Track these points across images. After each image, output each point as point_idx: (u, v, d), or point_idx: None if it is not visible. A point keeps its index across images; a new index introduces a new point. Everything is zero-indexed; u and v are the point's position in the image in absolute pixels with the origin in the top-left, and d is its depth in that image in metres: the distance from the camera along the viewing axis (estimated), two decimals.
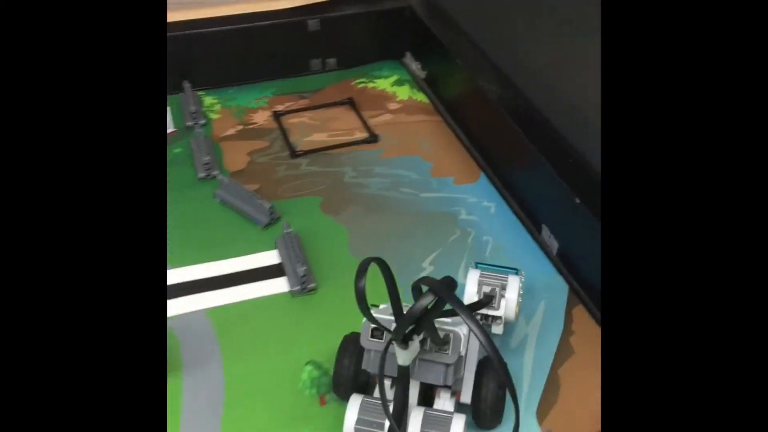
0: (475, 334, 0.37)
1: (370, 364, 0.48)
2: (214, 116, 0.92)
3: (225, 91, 0.97)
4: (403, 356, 0.44)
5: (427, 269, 0.69)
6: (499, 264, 0.60)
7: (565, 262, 0.70)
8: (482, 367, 0.51)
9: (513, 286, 0.56)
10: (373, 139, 0.87)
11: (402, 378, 0.45)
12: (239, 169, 0.83)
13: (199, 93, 0.96)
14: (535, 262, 0.70)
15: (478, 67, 0.86)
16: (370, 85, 0.99)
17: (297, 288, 0.67)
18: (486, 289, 0.56)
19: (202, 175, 0.81)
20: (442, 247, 0.72)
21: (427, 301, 0.40)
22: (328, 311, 0.65)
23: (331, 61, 1.01)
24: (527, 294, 0.64)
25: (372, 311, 0.44)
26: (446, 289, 0.39)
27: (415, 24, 0.99)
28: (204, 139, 0.85)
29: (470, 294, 0.56)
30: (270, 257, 0.71)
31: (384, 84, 0.99)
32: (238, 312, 0.65)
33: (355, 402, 0.49)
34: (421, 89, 0.97)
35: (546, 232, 0.72)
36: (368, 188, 0.80)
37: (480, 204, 0.77)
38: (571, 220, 0.67)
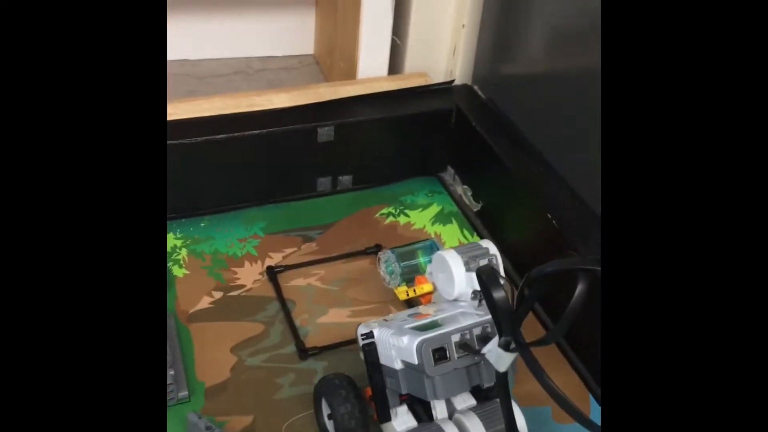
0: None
1: (437, 392, 0.43)
2: (177, 272, 0.62)
3: (194, 224, 0.67)
4: (507, 360, 0.39)
5: None
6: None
7: None
8: None
9: (493, 250, 0.51)
10: None
11: (504, 385, 0.41)
12: (218, 382, 0.53)
13: None
14: None
15: (573, 221, 0.58)
16: (402, 220, 0.70)
17: None
18: (482, 261, 0.49)
19: None
20: None
21: (587, 286, 0.33)
22: None
23: (346, 179, 0.72)
24: None
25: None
26: (585, 259, 0.34)
27: (465, 134, 0.71)
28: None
29: (461, 277, 0.48)
30: None
31: (421, 219, 0.70)
32: None
33: None
34: (474, 229, 0.69)
35: None
36: None
37: None
38: None
